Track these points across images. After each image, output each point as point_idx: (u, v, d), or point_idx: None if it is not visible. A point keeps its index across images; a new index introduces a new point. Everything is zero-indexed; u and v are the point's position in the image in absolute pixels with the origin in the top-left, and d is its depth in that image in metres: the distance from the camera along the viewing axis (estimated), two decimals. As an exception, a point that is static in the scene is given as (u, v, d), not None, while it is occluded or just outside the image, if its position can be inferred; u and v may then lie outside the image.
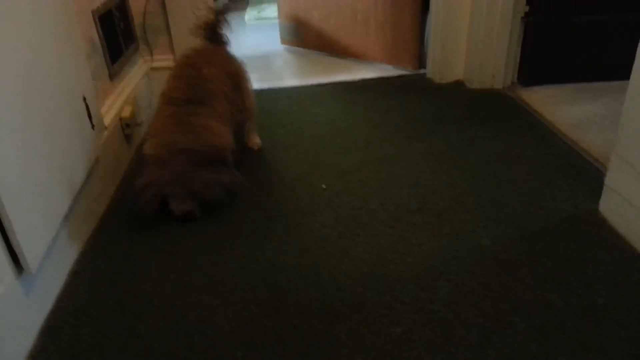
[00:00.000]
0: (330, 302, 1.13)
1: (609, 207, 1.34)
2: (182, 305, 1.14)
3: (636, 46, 1.20)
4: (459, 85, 2.22)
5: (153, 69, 2.09)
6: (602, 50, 2.06)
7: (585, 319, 1.06)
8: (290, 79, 2.42)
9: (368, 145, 1.78)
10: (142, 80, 1.98)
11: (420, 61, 2.36)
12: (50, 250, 1.14)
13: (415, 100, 2.10)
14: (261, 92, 2.25)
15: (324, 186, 1.54)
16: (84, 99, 1.41)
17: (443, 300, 1.12)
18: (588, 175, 1.52)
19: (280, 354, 1.02)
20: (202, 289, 1.18)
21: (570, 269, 1.19)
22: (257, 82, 2.39)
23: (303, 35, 2.69)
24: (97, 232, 1.40)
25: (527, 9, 2.02)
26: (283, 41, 2.80)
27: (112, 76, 1.73)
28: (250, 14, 3.45)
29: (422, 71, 2.35)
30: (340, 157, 1.71)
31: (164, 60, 2.10)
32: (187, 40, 2.05)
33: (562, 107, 1.95)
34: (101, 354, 1.03)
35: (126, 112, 1.71)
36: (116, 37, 1.81)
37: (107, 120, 1.60)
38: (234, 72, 1.65)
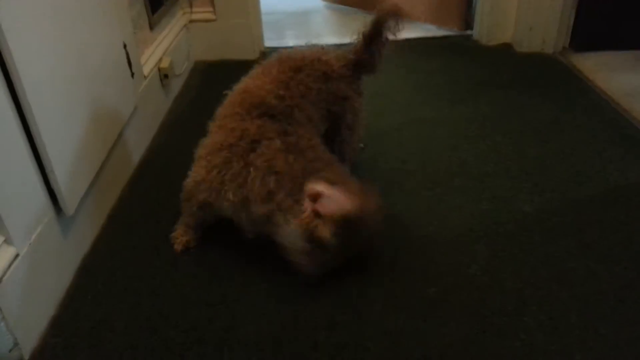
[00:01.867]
0: (363, 261, 1.11)
1: (663, 179, 1.27)
2: (216, 255, 1.14)
3: None
4: (507, 48, 2.12)
5: (192, 21, 2.06)
6: (664, 15, 1.93)
7: (629, 291, 1.01)
8: (328, 37, 2.36)
9: (408, 107, 1.73)
10: (181, 32, 1.96)
11: (467, 22, 2.25)
12: (88, 194, 1.16)
13: (460, 63, 2.02)
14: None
15: (361, 145, 1.51)
16: (125, 46, 1.40)
17: (481, 265, 1.09)
18: (641, 146, 1.45)
19: (311, 307, 1.01)
20: (235, 240, 1.17)
21: (616, 240, 1.13)
22: (294, 38, 2.35)
23: (345, -8, 2.61)
24: (133, 180, 1.41)
25: (585, -32, 1.90)
26: (324, -2, 2.73)
27: (152, 26, 1.71)
28: (291, -30, 3.36)
29: (468, 32, 2.25)
30: (378, 118, 1.67)
31: (204, 13, 2.07)
32: (227, -6, 2.02)
33: (616, 75, 1.85)
34: (135, 296, 1.05)
35: (165, 63, 1.70)
36: (157, -14, 1.78)
37: (147, 69, 1.59)
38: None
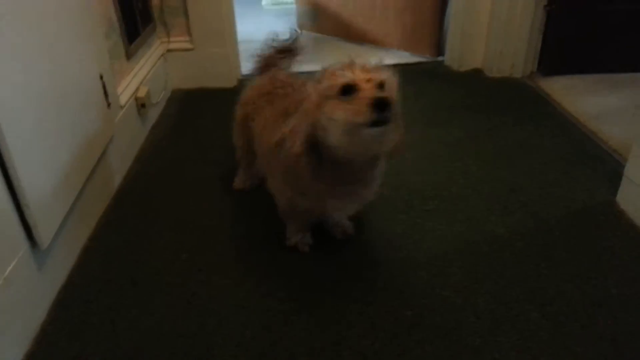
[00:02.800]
0: (342, 284, 1.13)
1: (627, 198, 1.31)
2: (193, 283, 1.14)
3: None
4: (477, 73, 2.19)
5: (170, 50, 2.09)
6: (625, 40, 2.02)
7: (599, 309, 1.04)
8: (306, 64, 2.39)
9: (383, 131, 1.76)
10: (159, 62, 1.98)
11: (439, 48, 2.32)
12: (64, 225, 1.15)
13: (432, 88, 2.08)
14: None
15: None
16: (101, 77, 1.41)
17: (455, 287, 1.11)
18: (606, 166, 1.49)
19: (289, 334, 1.01)
20: (213, 269, 1.18)
21: (585, 259, 1.17)
22: (273, 66, 2.38)
23: (320, 20, 2.66)
24: (110, 209, 1.41)
25: (549, -4, 1.98)
26: (300, 26, 2.78)
27: (129, 56, 1.73)
28: (267, -1, 3.43)
29: (440, 58, 2.32)
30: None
31: (181, 42, 2.10)
32: (204, 23, 2.05)
33: (582, 98, 1.91)
34: (111, 329, 1.04)
35: (142, 92, 1.72)
36: (134, 17, 1.81)
37: (123, 99, 1.60)
38: None
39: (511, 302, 1.06)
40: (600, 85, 2.01)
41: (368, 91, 0.90)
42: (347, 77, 0.92)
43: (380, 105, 0.88)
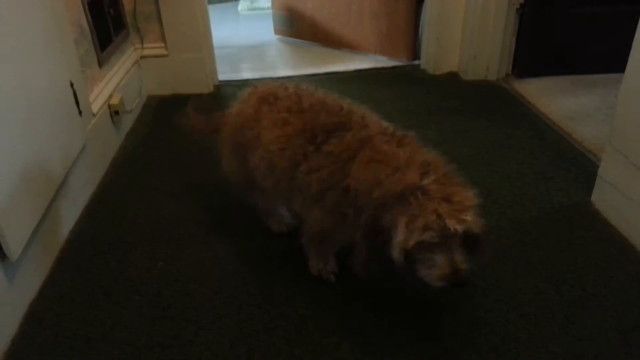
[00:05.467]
0: (321, 290, 1.12)
1: (602, 198, 1.33)
2: (168, 293, 1.12)
3: (632, 38, 1.19)
4: (453, 76, 2.20)
5: (144, 57, 2.06)
6: (598, 42, 2.05)
7: (575, 308, 1.05)
8: (283, 69, 2.40)
9: (360, 135, 1.76)
10: (133, 68, 1.95)
11: (415, 52, 2.33)
12: (34, 237, 1.12)
13: (409, 91, 2.09)
14: (254, 83, 2.23)
15: None
16: (72, 85, 1.38)
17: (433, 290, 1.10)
18: (581, 167, 1.51)
19: (269, 342, 1.00)
20: (189, 278, 1.16)
21: (561, 259, 1.18)
22: (250, 72, 2.37)
23: (296, 26, 2.66)
24: (83, 219, 1.38)
25: (522, 0, 2.00)
26: (276, 31, 2.77)
27: (102, 63, 1.70)
28: (243, 4, 3.41)
29: (416, 62, 2.33)
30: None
31: (155, 49, 2.07)
32: (179, 29, 2.03)
33: (556, 99, 1.94)
34: (85, 342, 1.01)
35: (115, 100, 1.69)
36: (106, 24, 1.78)
37: (96, 107, 1.57)
38: None
39: (489, 304, 1.07)
40: (574, 86, 2.04)
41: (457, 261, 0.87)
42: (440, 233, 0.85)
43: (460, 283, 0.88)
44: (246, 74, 2.34)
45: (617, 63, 1.29)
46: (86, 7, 1.61)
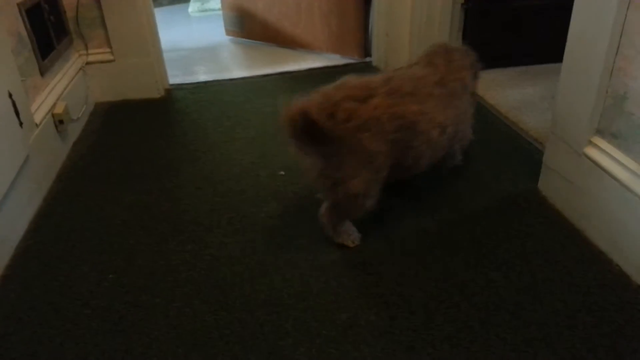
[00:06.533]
0: (276, 292, 1.11)
1: (548, 184, 1.37)
2: (120, 306, 1.09)
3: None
4: (404, 72, 2.22)
5: (89, 63, 2.00)
6: (540, 33, 2.11)
7: (525, 294, 1.08)
8: (236, 70, 2.37)
9: (314, 134, 1.76)
10: (77, 75, 1.90)
11: (366, 50, 2.35)
12: (-25, 255, 1.08)
13: (361, 88, 2.09)
14: (207, 84, 2.20)
15: (282, 173, 1.53)
16: (10, 95, 1.33)
17: (388, 284, 1.12)
18: (528, 156, 1.56)
19: (224, 348, 0.99)
20: (141, 288, 1.14)
21: (510, 247, 1.21)
22: (202, 74, 2.34)
23: (247, 26, 2.64)
24: (28, 233, 1.33)
25: (466, -5, 2.05)
26: (228, 32, 2.74)
27: (43, 72, 1.64)
28: (193, 5, 3.36)
29: (368, 59, 2.35)
30: (286, 147, 1.68)
31: (101, 54, 2.02)
32: (124, 33, 1.98)
33: (503, 91, 1.99)
34: (33, 361, 0.98)
35: (59, 109, 1.63)
36: (47, 31, 1.72)
37: (38, 117, 1.52)
38: None
39: (442, 295, 1.08)
40: (520, 77, 2.09)
41: None
42: None
43: None
44: (199, 77, 2.30)
45: (560, 53, 1.33)
46: (24, 15, 1.55)
